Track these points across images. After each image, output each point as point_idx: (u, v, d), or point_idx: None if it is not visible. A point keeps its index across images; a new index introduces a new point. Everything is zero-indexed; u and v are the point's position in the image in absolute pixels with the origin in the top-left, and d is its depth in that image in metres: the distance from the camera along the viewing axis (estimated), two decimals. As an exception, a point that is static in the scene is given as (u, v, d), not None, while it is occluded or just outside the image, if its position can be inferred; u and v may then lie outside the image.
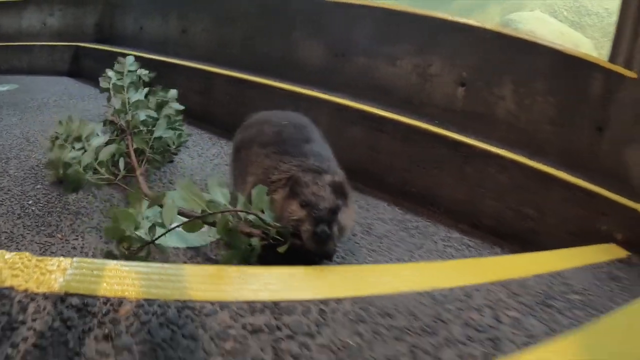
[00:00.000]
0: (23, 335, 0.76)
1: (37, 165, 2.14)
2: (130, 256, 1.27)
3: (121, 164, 1.84)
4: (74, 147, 1.81)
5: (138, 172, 1.85)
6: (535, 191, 2.18)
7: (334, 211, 1.36)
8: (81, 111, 3.26)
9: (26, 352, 0.73)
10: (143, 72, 2.49)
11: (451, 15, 2.85)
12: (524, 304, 1.21)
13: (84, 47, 4.46)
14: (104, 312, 0.81)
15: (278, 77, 2.99)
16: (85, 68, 4.43)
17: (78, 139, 1.84)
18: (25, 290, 0.83)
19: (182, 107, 2.34)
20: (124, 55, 3.83)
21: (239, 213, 1.37)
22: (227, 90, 2.93)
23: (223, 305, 0.87)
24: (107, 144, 1.88)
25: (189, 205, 1.34)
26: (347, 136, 2.50)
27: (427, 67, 2.66)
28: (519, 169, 2.20)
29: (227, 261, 1.35)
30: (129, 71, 2.43)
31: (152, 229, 1.29)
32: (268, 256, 1.38)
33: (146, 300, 0.85)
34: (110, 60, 4.03)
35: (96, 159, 1.78)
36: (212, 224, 1.37)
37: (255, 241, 1.33)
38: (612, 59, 2.48)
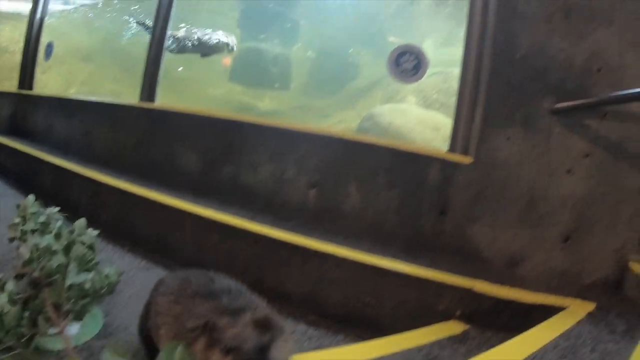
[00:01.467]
0: None
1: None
2: None
3: (41, 323, 1.65)
4: None
5: (60, 329, 1.69)
6: (370, 281, 2.47)
7: (262, 349, 1.28)
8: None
9: None
10: (53, 210, 2.20)
11: (304, 123, 3.32)
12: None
13: (-5, 142, 4.67)
14: None
15: (162, 182, 3.38)
16: (-3, 163, 4.66)
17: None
18: None
19: (95, 233, 2.08)
20: (31, 157, 4.13)
21: None
22: (113, 195, 3.30)
23: None
24: (25, 301, 1.68)
25: None
26: (209, 245, 2.87)
27: (283, 173, 3.11)
28: (352, 264, 2.49)
29: None
30: (32, 213, 2.16)
31: None
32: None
33: None
34: (18, 156, 4.32)
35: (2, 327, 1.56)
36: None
37: None
38: (452, 144, 2.80)
